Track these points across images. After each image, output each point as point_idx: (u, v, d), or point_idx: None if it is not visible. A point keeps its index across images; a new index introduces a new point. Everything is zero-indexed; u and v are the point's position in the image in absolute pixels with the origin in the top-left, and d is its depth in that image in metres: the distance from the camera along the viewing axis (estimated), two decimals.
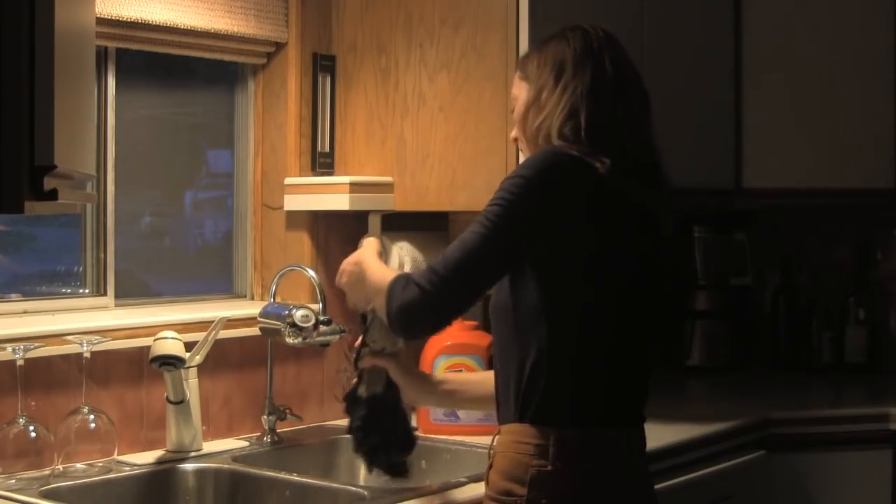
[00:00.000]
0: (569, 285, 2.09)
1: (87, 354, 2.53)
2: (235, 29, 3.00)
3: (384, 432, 2.32)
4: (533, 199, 2.07)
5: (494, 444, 2.19)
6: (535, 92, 2.19)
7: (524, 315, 2.11)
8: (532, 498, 2.09)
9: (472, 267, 2.06)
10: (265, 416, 2.87)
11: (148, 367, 2.66)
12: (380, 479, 2.40)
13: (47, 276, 2.84)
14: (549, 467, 2.09)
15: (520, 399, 2.13)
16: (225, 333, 2.80)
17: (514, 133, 2.28)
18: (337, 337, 2.85)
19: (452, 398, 2.41)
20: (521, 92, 2.24)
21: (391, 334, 2.24)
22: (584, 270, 2.09)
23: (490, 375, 2.29)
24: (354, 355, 2.31)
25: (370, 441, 2.31)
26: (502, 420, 2.18)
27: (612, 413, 2.17)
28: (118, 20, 2.75)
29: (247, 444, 2.84)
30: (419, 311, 2.07)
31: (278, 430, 2.87)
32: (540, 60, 2.21)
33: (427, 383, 2.38)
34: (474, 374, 2.48)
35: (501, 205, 2.07)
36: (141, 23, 2.80)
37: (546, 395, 2.11)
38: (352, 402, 2.32)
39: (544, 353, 2.10)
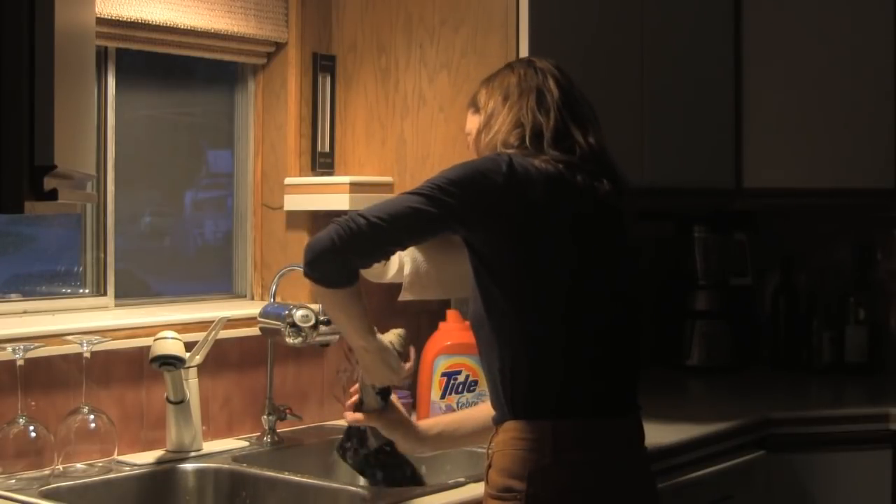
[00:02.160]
0: (529, 283, 2.14)
1: (87, 354, 2.53)
2: (235, 29, 3.00)
3: (392, 470, 2.38)
4: (472, 187, 2.13)
5: (492, 443, 2.21)
6: (486, 117, 2.31)
7: (496, 318, 2.17)
8: (532, 492, 2.11)
9: (401, 218, 2.12)
10: (265, 416, 2.87)
11: (148, 367, 2.66)
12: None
13: (47, 276, 2.84)
14: (548, 460, 2.11)
15: (509, 398, 2.16)
16: (225, 333, 2.80)
17: None
18: (337, 337, 2.85)
19: (445, 440, 2.42)
20: (473, 124, 2.35)
21: (374, 396, 2.31)
22: (538, 265, 2.14)
23: (480, 408, 2.37)
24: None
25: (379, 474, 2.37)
26: (497, 420, 2.20)
27: (603, 402, 2.19)
28: (118, 20, 2.75)
29: (247, 444, 2.84)
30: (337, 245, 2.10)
31: (278, 430, 2.88)
32: (489, 90, 2.34)
33: (417, 433, 2.38)
34: (463, 411, 2.53)
35: (435, 186, 2.13)
36: (141, 23, 2.80)
37: (532, 391, 2.14)
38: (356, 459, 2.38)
39: (521, 351, 2.14)
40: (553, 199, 2.15)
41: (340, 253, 2.11)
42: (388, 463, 2.38)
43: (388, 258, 2.25)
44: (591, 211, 2.21)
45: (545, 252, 2.14)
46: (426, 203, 2.11)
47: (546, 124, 2.23)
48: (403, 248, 2.24)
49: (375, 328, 2.28)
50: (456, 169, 2.16)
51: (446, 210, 2.12)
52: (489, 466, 2.19)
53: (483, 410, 2.37)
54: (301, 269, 2.89)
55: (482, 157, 2.24)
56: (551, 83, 2.28)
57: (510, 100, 2.28)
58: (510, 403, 2.16)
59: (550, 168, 2.16)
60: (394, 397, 2.37)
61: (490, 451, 2.20)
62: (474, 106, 2.37)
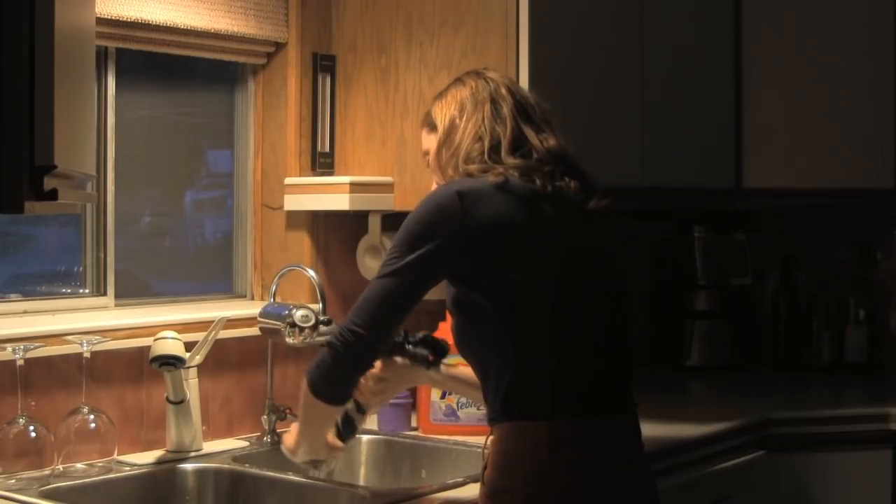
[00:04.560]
0: (516, 291, 2.14)
1: (87, 354, 2.53)
2: (235, 29, 3.00)
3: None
4: (435, 241, 2.14)
5: (488, 444, 2.21)
6: (444, 134, 2.31)
7: (486, 326, 2.16)
8: (530, 492, 2.11)
9: (383, 315, 2.16)
10: (265, 416, 2.87)
11: (148, 367, 2.66)
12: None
13: (47, 276, 2.84)
14: (544, 460, 2.11)
15: (503, 400, 2.16)
16: (225, 333, 2.80)
17: (434, 182, 2.36)
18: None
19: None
20: (431, 143, 2.35)
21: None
22: (521, 275, 2.14)
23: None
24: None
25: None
26: (493, 422, 2.20)
27: (599, 401, 2.19)
28: (118, 20, 2.75)
29: (247, 444, 2.84)
30: (341, 365, 2.19)
31: (278, 430, 2.87)
32: (442, 105, 2.34)
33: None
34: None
35: (399, 256, 2.15)
36: (141, 23, 2.80)
37: (526, 392, 2.14)
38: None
39: (513, 354, 2.14)
40: (513, 209, 2.15)
41: (342, 373, 2.20)
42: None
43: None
44: (561, 212, 2.20)
45: (525, 261, 2.14)
46: (400, 284, 2.15)
47: (504, 133, 2.24)
48: (403, 321, 2.22)
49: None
50: (412, 229, 2.16)
51: (422, 276, 2.16)
52: (485, 467, 2.19)
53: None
54: (300, 270, 2.92)
55: (432, 195, 2.20)
56: (503, 91, 2.29)
57: (466, 112, 2.28)
58: (505, 405, 2.15)
59: (501, 180, 2.17)
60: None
61: (486, 452, 2.21)
62: (429, 125, 2.36)
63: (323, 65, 3.14)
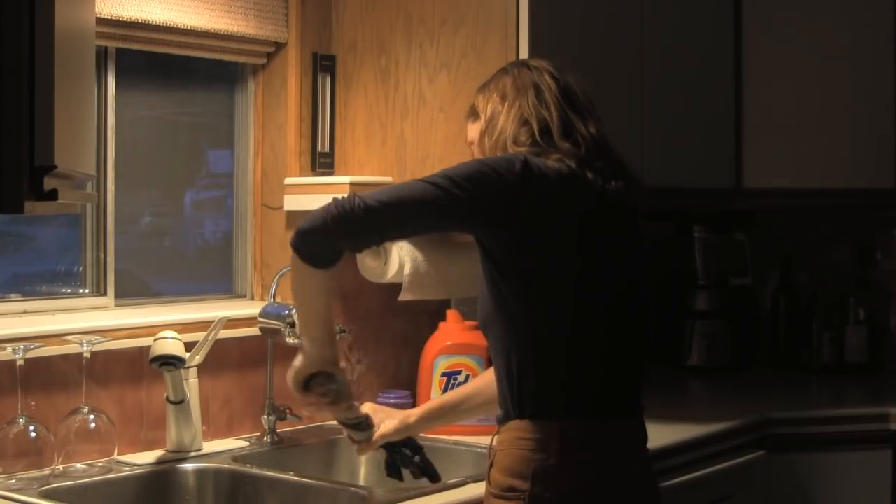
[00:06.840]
0: (539, 284, 2.13)
1: (87, 354, 2.53)
2: (235, 29, 3.00)
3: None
4: (486, 185, 2.10)
5: (494, 442, 2.21)
6: (487, 121, 2.29)
7: (506, 319, 2.16)
8: (536, 493, 2.10)
9: (405, 208, 2.09)
10: (265, 416, 2.87)
11: (148, 367, 2.66)
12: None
13: (47, 276, 2.84)
14: (552, 461, 2.11)
15: (515, 397, 2.16)
16: (225, 333, 2.80)
17: None
18: (337, 338, 2.85)
19: (441, 421, 2.49)
20: (474, 132, 2.34)
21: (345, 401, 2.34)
22: (548, 267, 2.13)
23: (472, 386, 2.42)
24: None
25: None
26: (501, 420, 2.20)
27: (609, 403, 2.19)
28: (118, 20, 2.75)
29: (247, 444, 2.84)
30: (335, 224, 2.09)
31: (278, 430, 2.88)
32: (486, 95, 2.32)
33: (410, 426, 2.42)
34: (454, 394, 2.54)
35: (449, 176, 2.10)
36: (141, 23, 2.80)
37: (539, 391, 2.14)
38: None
39: (531, 352, 2.14)
40: (566, 199, 2.14)
41: (330, 234, 2.11)
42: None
43: (387, 242, 2.22)
44: (602, 211, 2.20)
45: (555, 254, 2.13)
46: (437, 194, 2.08)
47: (551, 118, 2.21)
48: (405, 236, 2.20)
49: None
50: (472, 164, 2.13)
51: (456, 205, 2.09)
52: (491, 465, 2.19)
53: (458, 392, 2.46)
54: None
55: (497, 157, 2.18)
56: (547, 77, 2.27)
57: (508, 99, 2.26)
58: (517, 403, 2.15)
59: (564, 168, 2.15)
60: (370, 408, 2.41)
61: (492, 450, 2.20)
62: (473, 115, 2.34)
63: (323, 65, 3.14)
